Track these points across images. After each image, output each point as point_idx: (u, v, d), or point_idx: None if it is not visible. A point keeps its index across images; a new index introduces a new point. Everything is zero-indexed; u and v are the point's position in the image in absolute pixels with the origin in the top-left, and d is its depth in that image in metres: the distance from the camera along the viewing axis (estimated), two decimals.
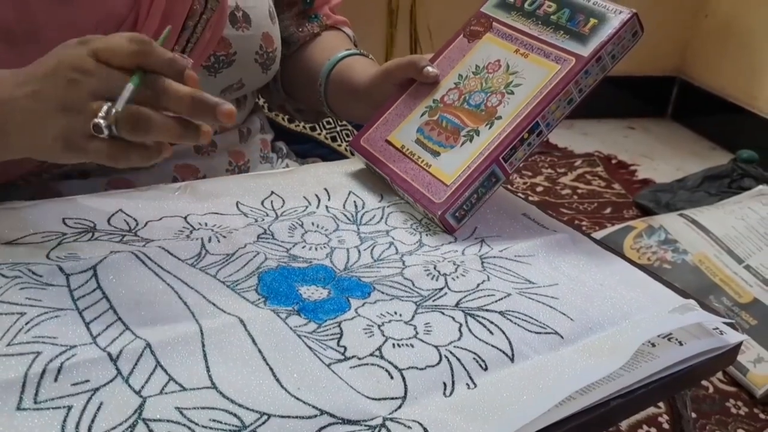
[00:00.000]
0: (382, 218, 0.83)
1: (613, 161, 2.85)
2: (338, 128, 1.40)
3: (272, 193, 0.85)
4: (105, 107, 0.61)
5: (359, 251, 0.76)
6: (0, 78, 0.66)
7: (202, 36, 0.85)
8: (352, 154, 1.33)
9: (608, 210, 2.42)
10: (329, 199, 0.86)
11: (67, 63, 0.62)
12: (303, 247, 0.75)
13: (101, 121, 0.60)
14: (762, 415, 1.52)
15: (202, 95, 0.63)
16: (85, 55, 0.62)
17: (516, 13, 0.89)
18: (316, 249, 0.75)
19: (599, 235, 2.03)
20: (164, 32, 0.70)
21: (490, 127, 0.82)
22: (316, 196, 0.86)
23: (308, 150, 1.21)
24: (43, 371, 0.53)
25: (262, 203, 0.83)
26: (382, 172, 0.87)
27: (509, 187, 0.95)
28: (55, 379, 0.53)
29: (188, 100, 0.63)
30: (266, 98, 1.18)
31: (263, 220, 0.79)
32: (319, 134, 1.41)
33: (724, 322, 0.70)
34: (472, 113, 0.85)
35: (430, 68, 0.90)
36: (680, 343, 0.67)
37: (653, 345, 0.66)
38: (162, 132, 0.62)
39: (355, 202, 0.86)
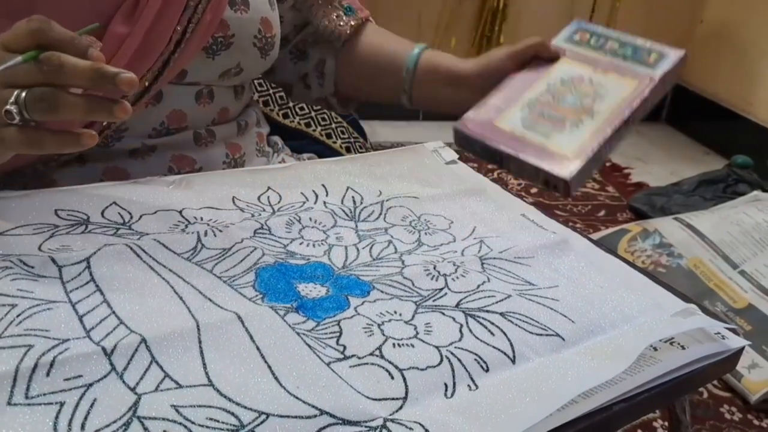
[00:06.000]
0: (380, 215, 0.82)
1: (607, 164, 2.84)
2: (333, 125, 1.39)
3: (269, 188, 0.84)
4: (14, 93, 0.62)
5: (358, 249, 0.75)
6: None
7: (203, 18, 0.84)
8: (348, 152, 1.32)
9: (602, 213, 2.42)
10: (327, 195, 0.85)
11: None
12: (300, 244, 0.74)
13: (11, 107, 0.61)
14: (756, 421, 1.52)
15: (101, 66, 0.62)
16: None
17: (585, 47, 1.01)
18: (313, 246, 0.74)
19: (593, 237, 2.03)
20: (89, 27, 0.70)
21: (592, 118, 0.91)
22: (314, 192, 0.85)
23: (303, 146, 1.20)
24: (35, 365, 0.52)
25: (259, 198, 0.82)
26: (498, 149, 0.90)
27: (505, 187, 0.95)
28: (48, 374, 0.51)
29: (87, 72, 0.62)
30: (299, 97, 1.19)
31: (260, 215, 0.78)
32: (314, 131, 1.40)
33: (726, 327, 0.70)
34: (570, 109, 0.93)
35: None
36: (682, 347, 0.66)
37: (655, 349, 0.65)
38: (69, 109, 0.62)
39: (353, 197, 0.85)
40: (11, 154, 0.67)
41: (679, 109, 3.37)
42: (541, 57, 0.99)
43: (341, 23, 1.09)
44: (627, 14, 3.14)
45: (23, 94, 0.62)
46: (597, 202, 2.49)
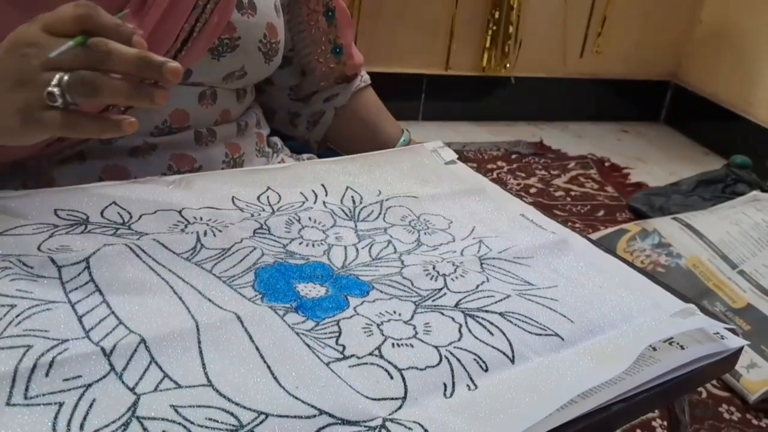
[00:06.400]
0: (380, 214, 0.82)
1: (607, 164, 2.84)
2: None
3: (268, 188, 0.84)
4: (57, 76, 0.62)
5: (357, 249, 0.75)
6: None
7: (210, 19, 0.85)
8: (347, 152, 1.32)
9: (601, 212, 2.42)
10: (326, 195, 0.85)
11: (20, 40, 0.65)
12: (300, 243, 0.74)
13: (54, 89, 0.62)
14: (755, 421, 1.52)
15: (148, 54, 0.64)
16: (36, 30, 0.65)
17: None
18: (313, 246, 0.74)
19: (592, 237, 2.02)
20: (120, 13, 0.71)
21: None
22: (313, 191, 0.85)
23: (302, 146, 1.20)
24: (34, 366, 0.52)
25: (258, 198, 0.82)
26: None
27: (504, 187, 0.95)
28: (47, 374, 0.51)
29: (134, 60, 0.63)
30: (279, 125, 1.20)
31: (259, 215, 0.78)
32: None
33: (725, 328, 0.70)
34: None
35: None
36: (681, 347, 0.66)
37: (654, 349, 0.65)
38: (112, 93, 0.64)
39: (352, 197, 0.85)
40: (47, 136, 0.68)
41: (678, 110, 3.37)
42: None
43: (321, 59, 1.10)
44: (626, 14, 3.14)
45: (66, 77, 0.62)
46: (596, 202, 2.49)
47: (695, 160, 2.99)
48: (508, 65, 3.02)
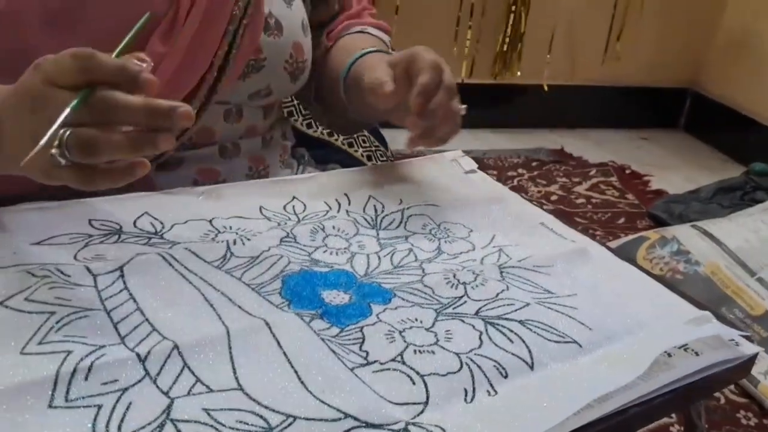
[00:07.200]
0: (401, 223, 0.84)
1: (627, 171, 2.84)
2: (355, 134, 1.41)
3: (294, 198, 0.86)
4: (59, 135, 0.59)
5: (379, 257, 0.77)
6: None
7: (242, 41, 0.86)
8: (369, 160, 1.34)
9: (622, 220, 2.42)
10: (349, 204, 0.87)
11: (26, 93, 0.62)
12: (324, 252, 0.76)
13: (54, 151, 0.59)
14: None
15: (155, 102, 0.60)
16: (38, 82, 0.61)
17: None
18: (337, 253, 0.76)
19: (613, 245, 2.03)
20: (141, 20, 0.69)
21: None
22: (337, 201, 0.87)
23: (325, 155, 1.22)
24: (74, 370, 0.54)
25: (284, 208, 0.84)
26: None
27: (525, 195, 0.97)
28: (86, 378, 0.54)
29: (142, 111, 0.60)
30: (318, 118, 1.19)
31: (285, 224, 0.80)
32: (336, 140, 1.42)
33: (740, 335, 0.71)
34: None
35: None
36: (696, 354, 0.67)
37: (669, 355, 0.66)
38: (112, 150, 0.60)
39: (375, 206, 0.87)
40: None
41: (697, 117, 3.37)
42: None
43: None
44: (645, 21, 3.14)
45: (66, 135, 0.59)
46: (617, 210, 2.50)
47: (714, 168, 2.99)
48: (519, 73, 3.03)
